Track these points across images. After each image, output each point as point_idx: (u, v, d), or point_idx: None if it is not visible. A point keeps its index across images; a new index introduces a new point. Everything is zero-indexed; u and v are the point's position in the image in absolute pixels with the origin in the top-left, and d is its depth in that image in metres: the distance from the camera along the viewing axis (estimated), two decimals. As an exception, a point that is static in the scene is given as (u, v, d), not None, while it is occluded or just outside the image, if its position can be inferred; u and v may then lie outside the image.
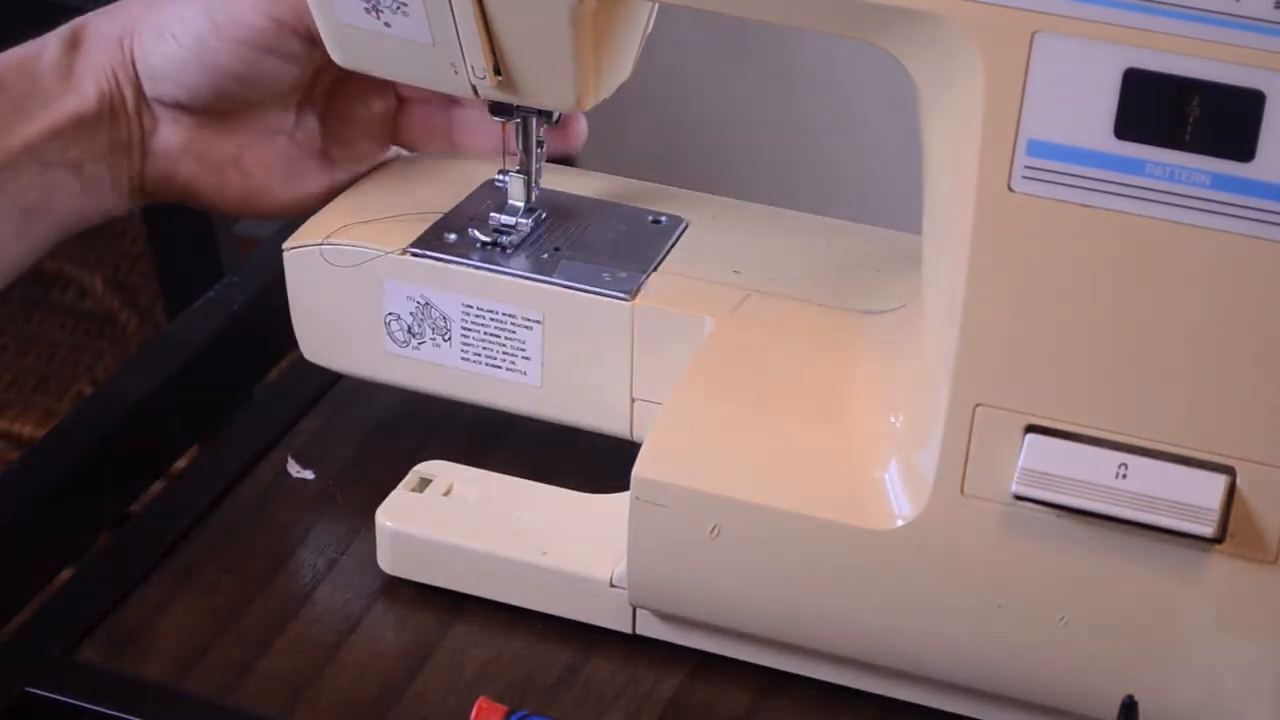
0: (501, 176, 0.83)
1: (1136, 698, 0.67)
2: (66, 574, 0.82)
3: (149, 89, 0.83)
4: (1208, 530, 0.67)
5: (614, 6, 0.75)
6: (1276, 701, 0.70)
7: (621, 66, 0.80)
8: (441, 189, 0.86)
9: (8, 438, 1.54)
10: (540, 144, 0.83)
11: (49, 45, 0.83)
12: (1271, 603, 0.68)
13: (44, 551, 0.83)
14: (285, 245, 0.84)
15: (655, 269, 0.81)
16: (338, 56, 0.80)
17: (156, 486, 0.89)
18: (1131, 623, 0.70)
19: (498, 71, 0.77)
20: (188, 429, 0.92)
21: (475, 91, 0.78)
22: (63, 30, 0.84)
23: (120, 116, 0.83)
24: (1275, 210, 0.63)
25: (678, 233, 0.84)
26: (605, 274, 0.81)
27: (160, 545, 0.82)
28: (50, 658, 0.77)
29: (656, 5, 0.79)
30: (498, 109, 0.81)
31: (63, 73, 0.82)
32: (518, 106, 0.80)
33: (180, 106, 0.84)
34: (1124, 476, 0.67)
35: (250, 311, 0.93)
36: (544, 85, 0.77)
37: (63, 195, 0.83)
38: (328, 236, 0.83)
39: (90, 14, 0.84)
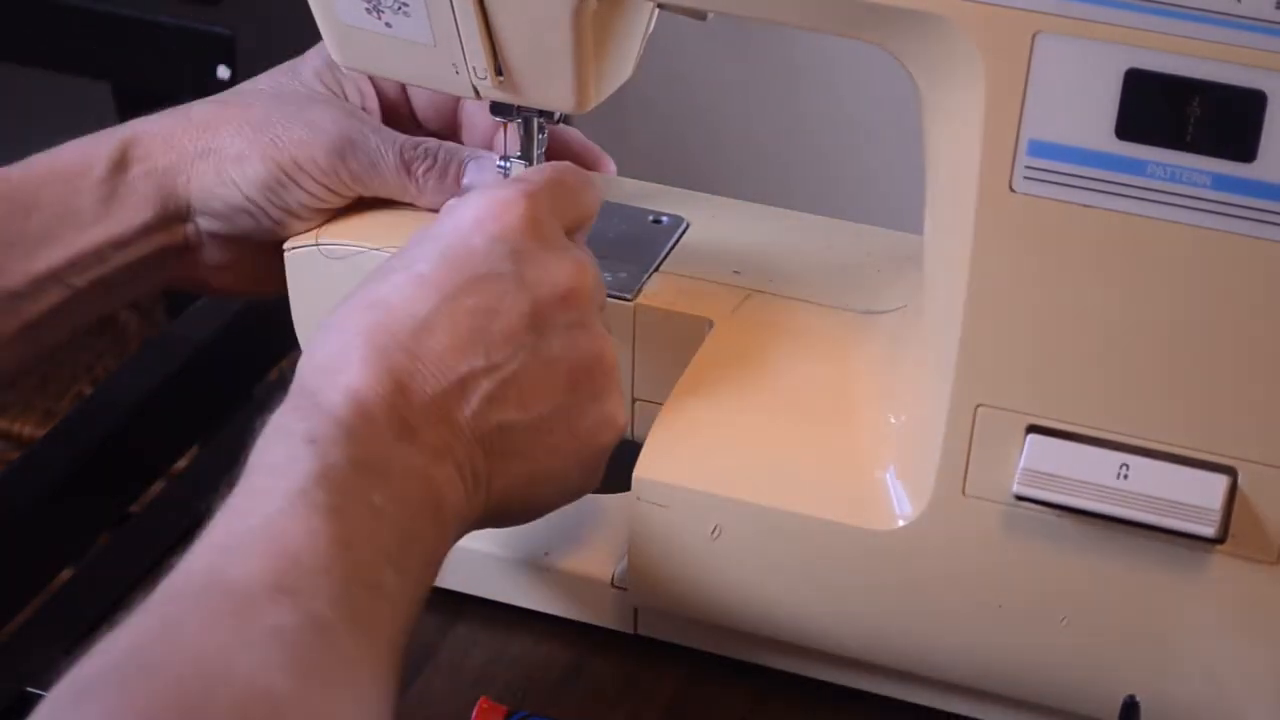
0: (503, 163, 0.83)
1: (1137, 698, 0.67)
2: (66, 574, 0.82)
3: (203, 224, 0.81)
4: (1209, 531, 0.67)
5: (614, 7, 0.75)
6: (1277, 701, 0.70)
7: (621, 66, 0.80)
8: (442, 189, 0.86)
9: (8, 438, 1.54)
10: (542, 142, 0.83)
11: (94, 163, 0.80)
12: (1272, 603, 0.68)
13: (44, 551, 0.83)
14: (285, 245, 0.84)
15: (655, 269, 0.81)
16: (338, 58, 0.80)
17: (156, 486, 0.89)
18: (1132, 623, 0.70)
19: (499, 72, 0.77)
20: (188, 429, 0.92)
21: (476, 92, 0.78)
22: (111, 145, 0.80)
23: (157, 240, 0.81)
24: (1275, 210, 0.63)
25: (678, 233, 0.84)
26: (605, 274, 0.80)
27: (160, 545, 0.82)
28: (50, 658, 0.76)
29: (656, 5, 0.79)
30: (498, 109, 0.80)
31: (104, 198, 0.79)
32: (518, 107, 0.80)
33: (224, 233, 0.82)
34: (1125, 477, 0.67)
35: (250, 311, 0.93)
36: (545, 85, 0.77)
37: (82, 310, 0.81)
38: (328, 236, 0.83)
39: (140, 127, 0.81)
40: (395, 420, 0.64)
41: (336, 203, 0.81)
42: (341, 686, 0.56)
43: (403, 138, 0.81)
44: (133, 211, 0.80)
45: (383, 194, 0.81)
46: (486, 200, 0.70)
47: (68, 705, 0.53)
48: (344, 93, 0.84)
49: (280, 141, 0.79)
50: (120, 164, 0.80)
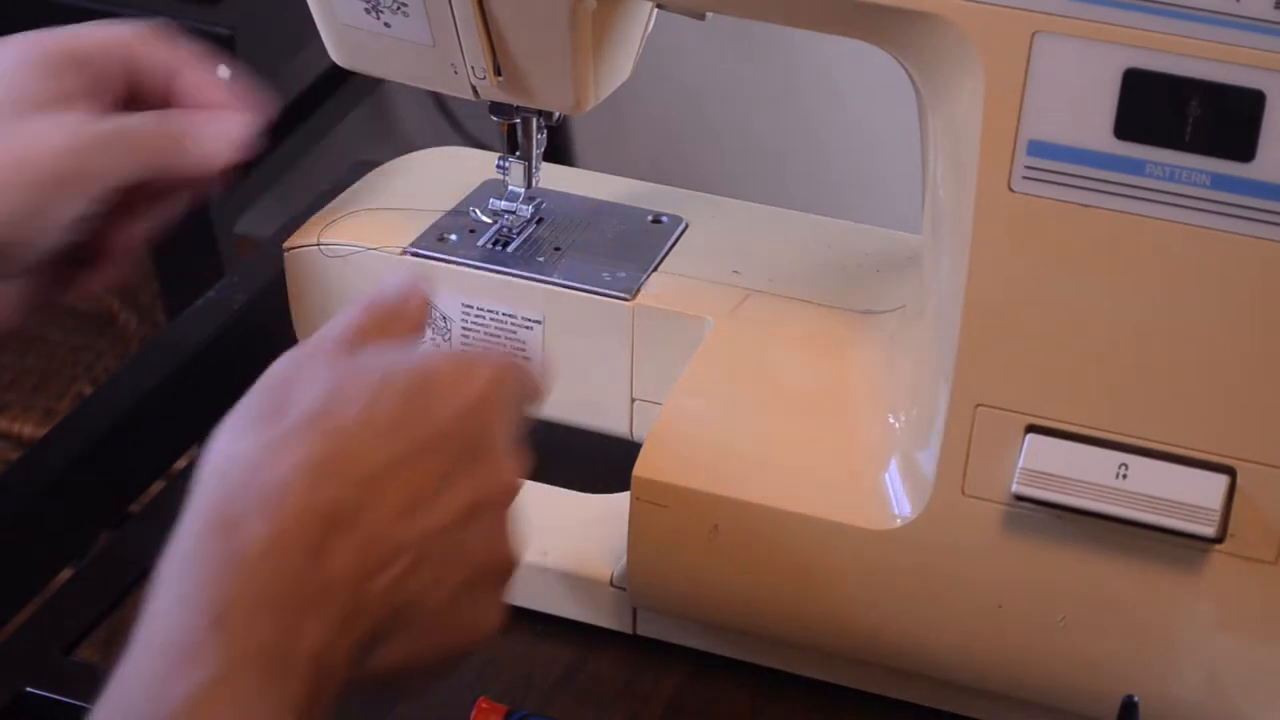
0: (502, 162, 0.84)
1: (1136, 697, 0.67)
2: (66, 574, 0.82)
3: None
4: (1208, 530, 0.67)
5: (614, 7, 0.75)
6: (1277, 701, 0.70)
7: (621, 67, 0.80)
8: (440, 188, 0.86)
9: (8, 438, 1.54)
10: (540, 142, 0.83)
11: None
12: (1271, 603, 0.68)
13: (44, 551, 0.83)
14: (285, 245, 0.84)
15: (655, 269, 0.81)
16: (338, 57, 0.80)
17: (156, 486, 0.89)
18: (1131, 623, 0.70)
19: (498, 72, 0.77)
20: (188, 429, 0.92)
21: (475, 92, 0.78)
22: None
23: None
24: (1275, 210, 0.63)
25: (678, 233, 0.84)
26: (605, 274, 0.81)
27: (160, 545, 0.82)
28: (50, 658, 0.76)
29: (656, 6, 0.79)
30: (498, 109, 0.81)
31: None
32: (518, 107, 0.80)
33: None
34: (1124, 476, 0.67)
35: (250, 311, 0.93)
36: (544, 85, 0.77)
37: None
38: (327, 236, 0.83)
39: None
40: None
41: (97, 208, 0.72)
42: None
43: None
44: None
45: (151, 168, 0.73)
46: (455, 366, 0.64)
47: None
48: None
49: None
50: None
